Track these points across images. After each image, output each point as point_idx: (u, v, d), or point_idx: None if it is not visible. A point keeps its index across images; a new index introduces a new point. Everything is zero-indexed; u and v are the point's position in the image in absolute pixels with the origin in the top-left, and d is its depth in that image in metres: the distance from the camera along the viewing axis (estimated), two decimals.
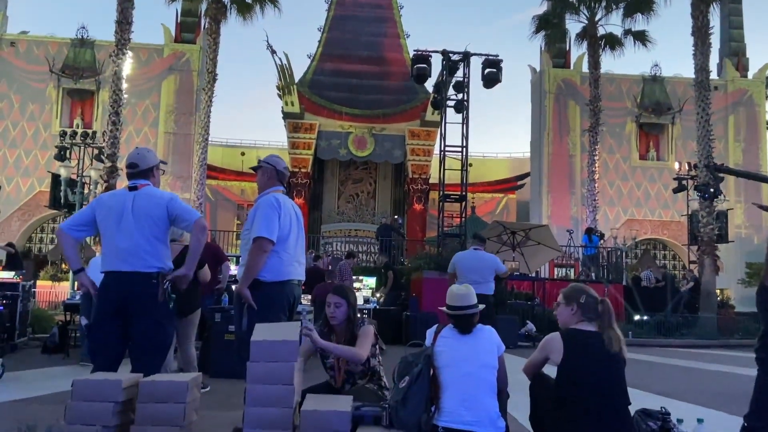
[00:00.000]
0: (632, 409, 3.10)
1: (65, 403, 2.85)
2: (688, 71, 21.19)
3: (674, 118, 26.11)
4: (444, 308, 3.33)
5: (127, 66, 17.59)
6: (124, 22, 17.10)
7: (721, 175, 15.94)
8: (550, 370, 3.22)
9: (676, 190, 19.11)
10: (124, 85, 17.33)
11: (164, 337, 3.60)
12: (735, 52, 27.50)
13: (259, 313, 3.56)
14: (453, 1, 69.65)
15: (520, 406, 3.51)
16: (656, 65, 26.53)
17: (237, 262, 12.41)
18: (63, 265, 19.66)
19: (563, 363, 3.09)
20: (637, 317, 15.34)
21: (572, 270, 17.67)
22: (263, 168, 3.88)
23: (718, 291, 18.65)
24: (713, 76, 21.30)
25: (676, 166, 19.41)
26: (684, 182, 18.44)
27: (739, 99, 26.77)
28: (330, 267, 12.22)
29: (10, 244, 13.86)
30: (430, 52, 14.98)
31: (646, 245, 26.40)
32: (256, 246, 3.61)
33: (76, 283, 14.17)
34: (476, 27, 72.76)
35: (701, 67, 17.77)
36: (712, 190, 15.81)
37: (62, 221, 22.67)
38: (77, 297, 9.29)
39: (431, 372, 3.14)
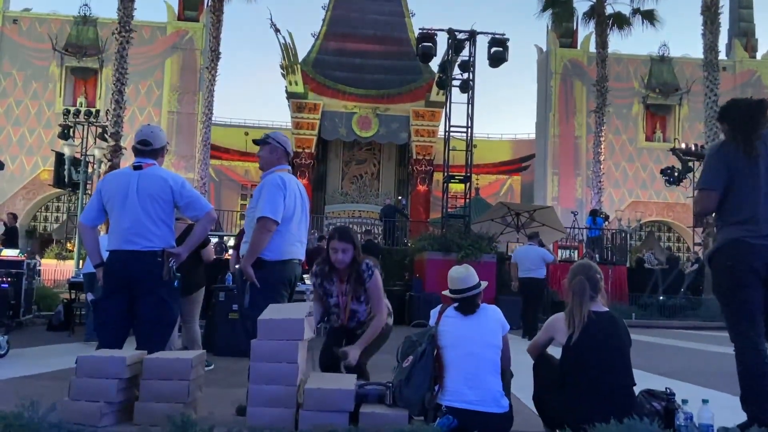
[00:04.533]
0: (637, 390, 3.09)
1: (69, 379, 2.86)
2: (696, 51, 21.04)
3: (681, 99, 25.88)
4: (446, 292, 3.31)
5: (130, 44, 17.46)
6: (126, 0, 16.96)
7: (688, 158, 15.63)
8: (555, 351, 3.21)
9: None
10: (127, 64, 17.23)
11: (169, 315, 3.61)
12: (744, 33, 27.17)
13: (260, 291, 3.58)
14: None
15: (524, 386, 3.51)
16: (664, 45, 26.27)
17: None
18: (68, 244, 19.74)
19: (567, 343, 3.07)
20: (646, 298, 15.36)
21: (576, 252, 17.64)
22: (271, 145, 3.84)
23: None
24: (722, 56, 21.07)
25: (683, 146, 19.27)
26: (689, 164, 18.33)
27: (748, 80, 26.48)
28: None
29: (12, 215, 13.92)
30: (435, 30, 14.81)
31: (651, 227, 26.34)
32: (261, 225, 3.60)
33: (80, 261, 14.27)
34: (482, 4, 71.94)
35: (710, 48, 17.59)
36: (676, 174, 15.60)
37: (66, 199, 22.75)
38: (81, 275, 9.32)
39: (435, 351, 3.13)
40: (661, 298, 15.36)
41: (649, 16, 21.94)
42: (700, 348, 9.31)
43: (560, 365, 3.13)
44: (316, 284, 3.79)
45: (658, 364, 6.73)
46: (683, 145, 19.07)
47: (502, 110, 72.19)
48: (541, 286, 10.05)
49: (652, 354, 7.98)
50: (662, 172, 15.90)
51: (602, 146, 21.83)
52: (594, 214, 18.45)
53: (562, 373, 3.09)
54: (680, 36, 53.01)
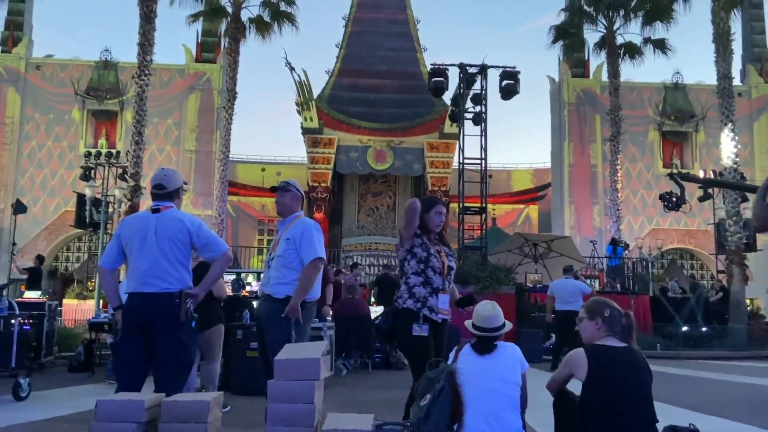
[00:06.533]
0: (660, 426, 3.03)
1: (89, 423, 2.87)
2: (710, 78, 20.96)
3: (697, 125, 25.77)
4: (470, 326, 3.30)
5: (150, 87, 17.89)
6: (146, 44, 17.43)
7: (686, 183, 15.32)
8: (575, 386, 3.17)
9: (701, 199, 18.77)
10: (147, 106, 17.62)
11: (186, 356, 3.63)
12: (758, 58, 27.12)
13: (301, 328, 3.82)
14: (469, 12, 69.90)
15: (544, 422, 3.45)
16: (677, 73, 26.26)
17: (258, 278, 12.47)
18: (89, 284, 19.94)
19: (588, 380, 3.03)
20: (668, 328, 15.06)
21: (597, 281, 17.42)
22: (293, 193, 4.10)
23: (747, 301, 18.24)
24: (736, 82, 21.01)
25: (701, 174, 19.08)
26: (710, 191, 18.12)
27: (764, 105, 26.33)
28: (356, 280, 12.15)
29: (39, 257, 14.15)
30: (446, 65, 15.02)
31: (673, 255, 25.97)
32: (315, 265, 3.83)
33: (101, 301, 14.39)
34: (493, 36, 72.81)
35: (723, 74, 17.55)
36: (675, 199, 15.34)
37: (87, 239, 23.05)
38: (102, 316, 9.40)
39: (453, 389, 3.11)
40: (685, 328, 15.04)
41: (661, 45, 22.01)
42: (727, 379, 9.08)
43: (581, 402, 3.08)
44: (418, 242, 3.81)
45: (683, 396, 6.57)
46: (701, 173, 18.85)
47: (518, 139, 72.38)
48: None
49: (677, 386, 7.80)
50: (661, 197, 15.72)
51: (619, 174, 21.71)
52: (614, 243, 18.25)
53: (583, 411, 3.04)
54: (693, 63, 53.14)
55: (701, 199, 18.90)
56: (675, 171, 16.32)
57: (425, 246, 3.77)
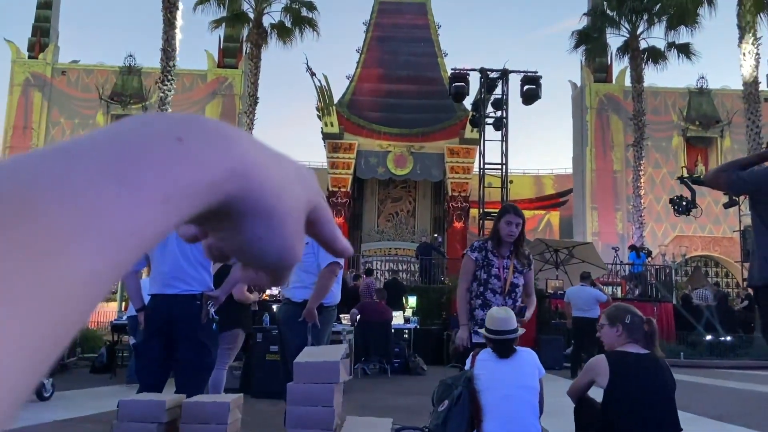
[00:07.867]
0: None
1: (111, 423, 2.90)
2: (736, 83, 20.66)
3: (723, 131, 25.37)
4: (483, 331, 3.28)
5: (172, 92, 18.14)
6: (169, 50, 17.69)
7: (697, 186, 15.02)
8: (597, 393, 3.13)
9: (726, 205, 18.49)
10: (170, 110, 17.86)
11: (207, 358, 3.67)
12: None
13: (320, 332, 3.86)
14: (490, 17, 69.85)
15: (565, 429, 3.41)
16: (702, 77, 25.90)
17: None
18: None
19: (609, 386, 2.99)
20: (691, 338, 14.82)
21: (619, 288, 17.20)
22: None
23: None
24: (762, 87, 20.67)
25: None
26: (735, 197, 17.83)
27: None
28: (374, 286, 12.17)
29: None
30: (467, 70, 15.00)
31: (697, 262, 25.56)
32: (331, 270, 3.84)
33: (123, 303, 14.57)
34: (514, 41, 72.62)
35: (749, 79, 17.29)
36: (685, 203, 15.05)
37: None
38: (124, 318, 9.51)
39: (471, 395, 3.09)
40: (709, 337, 14.79)
41: (685, 50, 21.72)
42: (752, 389, 8.91)
43: (602, 409, 3.04)
44: (480, 258, 3.74)
45: (707, 406, 6.45)
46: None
47: (539, 144, 72.00)
48: (594, 325, 9.94)
49: (701, 395, 7.66)
50: (671, 201, 15.45)
51: (642, 180, 21.44)
52: (635, 249, 18.01)
53: (605, 418, 3.00)
54: (719, 67, 52.48)
55: (726, 206, 18.61)
56: (685, 175, 16.07)
57: (487, 266, 3.70)
